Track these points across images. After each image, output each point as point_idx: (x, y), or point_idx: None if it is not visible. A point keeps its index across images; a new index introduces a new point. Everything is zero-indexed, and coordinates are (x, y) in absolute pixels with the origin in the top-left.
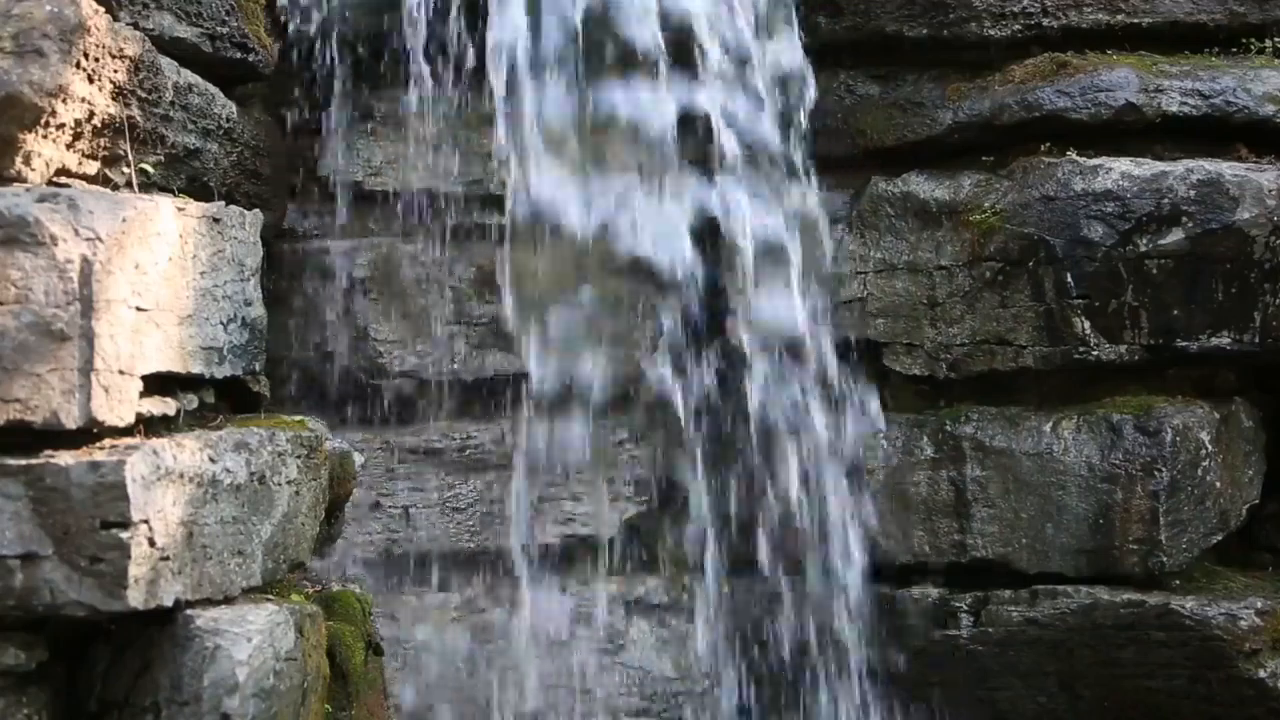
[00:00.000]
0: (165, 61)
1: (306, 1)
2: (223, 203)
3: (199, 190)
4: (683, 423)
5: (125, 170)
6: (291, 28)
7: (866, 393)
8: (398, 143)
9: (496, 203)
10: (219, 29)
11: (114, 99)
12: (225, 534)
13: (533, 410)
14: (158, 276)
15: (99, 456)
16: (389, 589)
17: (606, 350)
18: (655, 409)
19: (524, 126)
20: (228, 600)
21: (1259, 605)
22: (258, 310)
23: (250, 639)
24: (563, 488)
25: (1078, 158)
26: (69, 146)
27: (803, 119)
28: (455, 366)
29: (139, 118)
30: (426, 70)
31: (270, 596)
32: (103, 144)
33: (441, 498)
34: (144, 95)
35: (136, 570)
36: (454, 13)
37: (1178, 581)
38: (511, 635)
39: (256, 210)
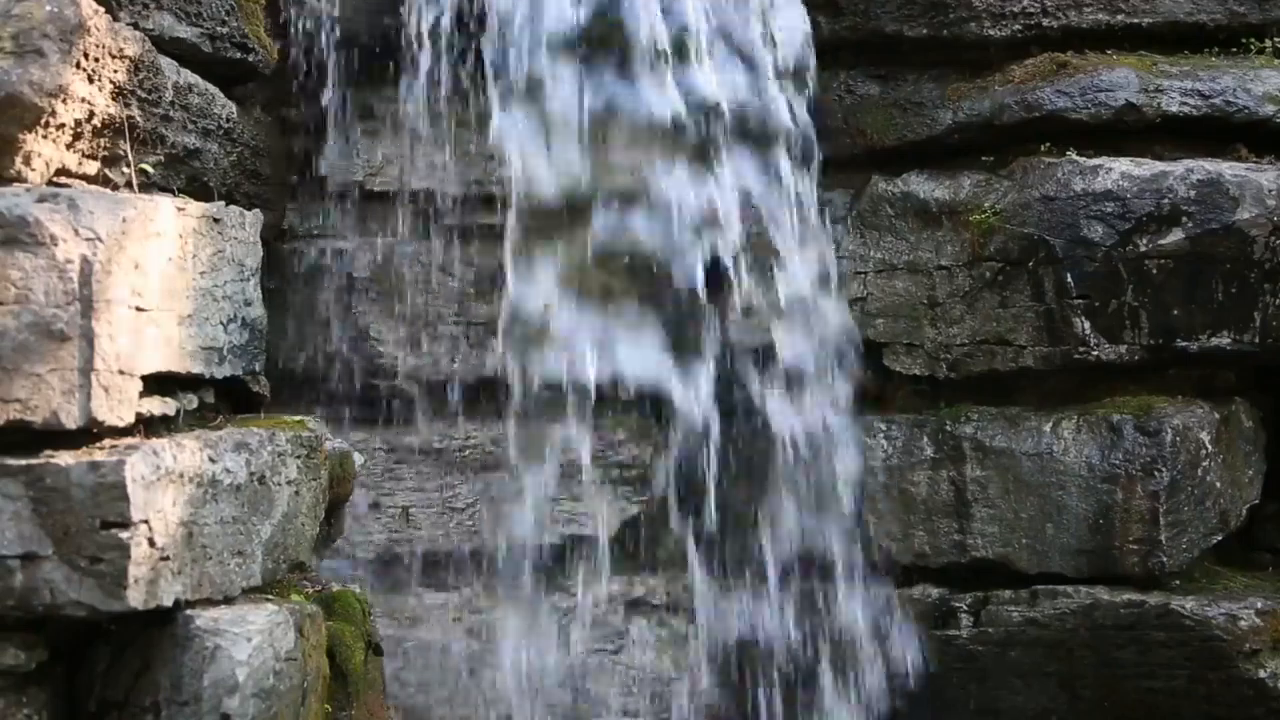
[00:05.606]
0: (165, 61)
1: (306, 1)
2: (223, 203)
3: (199, 190)
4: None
5: (125, 170)
6: (291, 27)
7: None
8: (398, 143)
9: (497, 202)
10: (219, 29)
11: (114, 99)
12: (225, 534)
13: (532, 410)
14: (157, 276)
15: (99, 456)
16: (389, 589)
17: (605, 350)
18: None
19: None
20: (228, 600)
21: (1259, 605)
22: (258, 310)
23: (250, 639)
24: (562, 487)
25: (1078, 158)
26: (69, 146)
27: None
28: (455, 366)
29: (139, 118)
30: (426, 70)
31: (270, 596)
32: (103, 144)
33: (441, 498)
34: (144, 95)
35: (136, 570)
36: (453, 12)
37: (1178, 581)
38: (511, 635)
39: (256, 210)
